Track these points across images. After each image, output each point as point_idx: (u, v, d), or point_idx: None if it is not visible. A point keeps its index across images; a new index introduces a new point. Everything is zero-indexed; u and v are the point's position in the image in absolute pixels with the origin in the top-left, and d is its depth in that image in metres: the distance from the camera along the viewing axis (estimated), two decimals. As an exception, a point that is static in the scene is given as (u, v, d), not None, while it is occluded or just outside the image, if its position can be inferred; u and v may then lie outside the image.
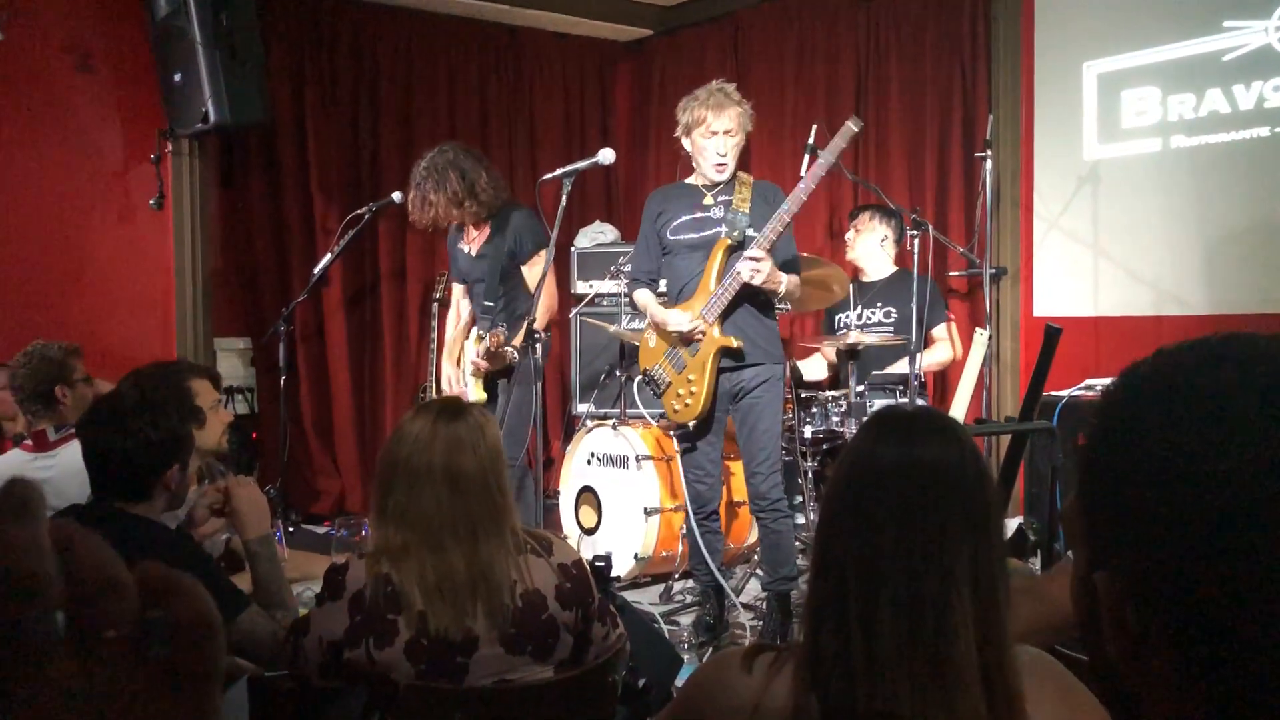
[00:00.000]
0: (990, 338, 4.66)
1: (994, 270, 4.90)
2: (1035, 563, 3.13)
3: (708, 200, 3.97)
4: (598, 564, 2.81)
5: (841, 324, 5.00)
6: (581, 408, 5.70)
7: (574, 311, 5.78)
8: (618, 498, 4.90)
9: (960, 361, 4.81)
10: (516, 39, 6.73)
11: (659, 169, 6.89)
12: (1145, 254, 4.77)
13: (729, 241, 3.86)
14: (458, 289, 4.84)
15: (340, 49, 6.15)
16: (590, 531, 5.03)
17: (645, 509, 4.68)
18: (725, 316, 3.86)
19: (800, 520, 4.59)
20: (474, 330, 4.62)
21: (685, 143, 3.99)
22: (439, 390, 4.98)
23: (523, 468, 4.34)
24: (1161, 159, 4.71)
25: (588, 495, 5.06)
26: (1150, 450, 0.66)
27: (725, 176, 3.95)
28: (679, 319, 3.88)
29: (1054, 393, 3.93)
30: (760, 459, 3.91)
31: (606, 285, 5.58)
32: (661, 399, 4.05)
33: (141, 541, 2.08)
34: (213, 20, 4.98)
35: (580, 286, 5.86)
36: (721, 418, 4.00)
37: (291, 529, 5.39)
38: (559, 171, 3.78)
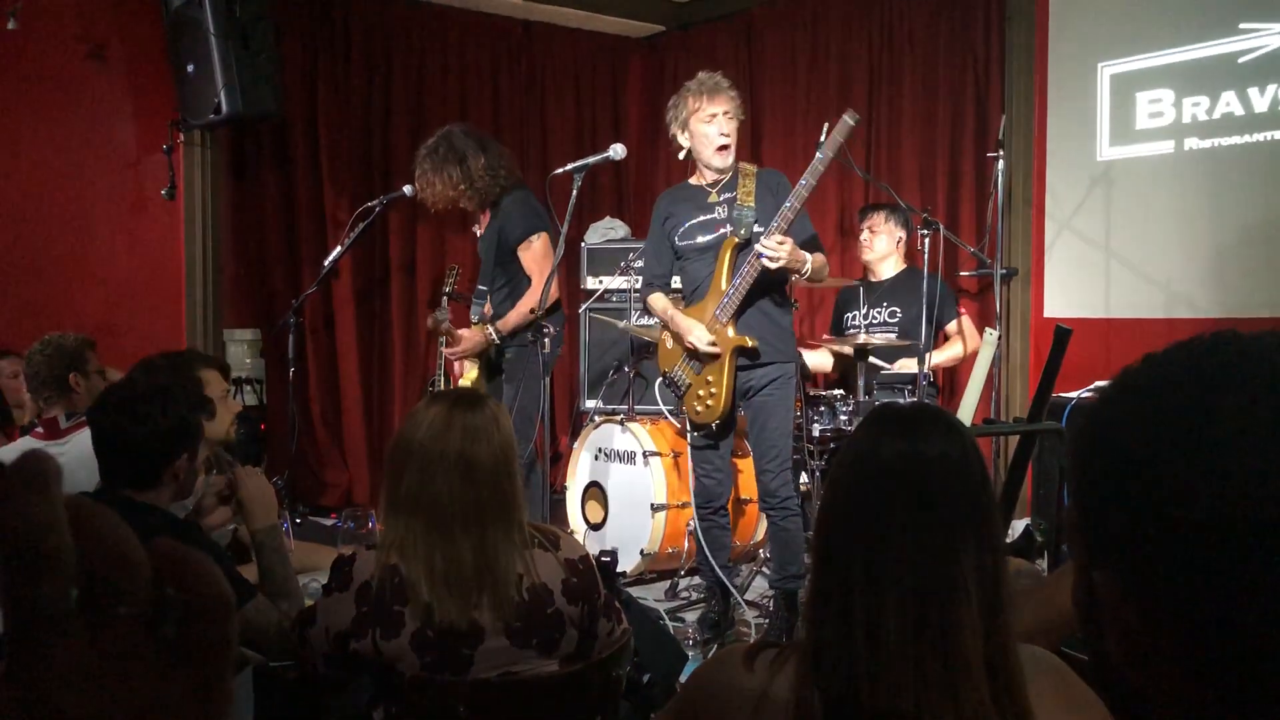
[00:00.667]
0: (1000, 338, 4.65)
1: (1005, 270, 4.89)
2: (1042, 564, 3.13)
3: (712, 199, 3.95)
4: (604, 559, 2.81)
5: (850, 324, 5.00)
6: (590, 403, 5.70)
7: (583, 307, 5.77)
8: (625, 493, 4.90)
9: (972, 356, 4.79)
10: (530, 33, 6.73)
11: (670, 165, 6.88)
12: (1157, 256, 4.75)
13: (736, 240, 3.85)
14: None
15: (353, 41, 6.16)
16: (597, 527, 5.03)
17: (652, 505, 4.69)
18: (738, 316, 3.85)
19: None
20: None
21: (683, 139, 3.95)
22: (447, 383, 4.99)
23: (528, 462, 4.34)
24: (1175, 161, 4.69)
25: (595, 491, 5.07)
26: (1139, 448, 0.66)
27: (729, 161, 3.91)
28: (699, 335, 3.86)
29: (1063, 394, 3.92)
30: (770, 456, 3.91)
31: (616, 281, 5.58)
32: (683, 401, 4.05)
33: (149, 530, 2.05)
34: (226, 11, 5.00)
35: (590, 282, 5.85)
36: (734, 415, 4.00)
37: (299, 520, 5.41)
38: (570, 166, 3.78)
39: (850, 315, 5.02)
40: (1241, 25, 4.43)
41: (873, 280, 5.03)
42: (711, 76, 3.93)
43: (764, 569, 4.82)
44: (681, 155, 4.03)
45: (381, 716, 1.93)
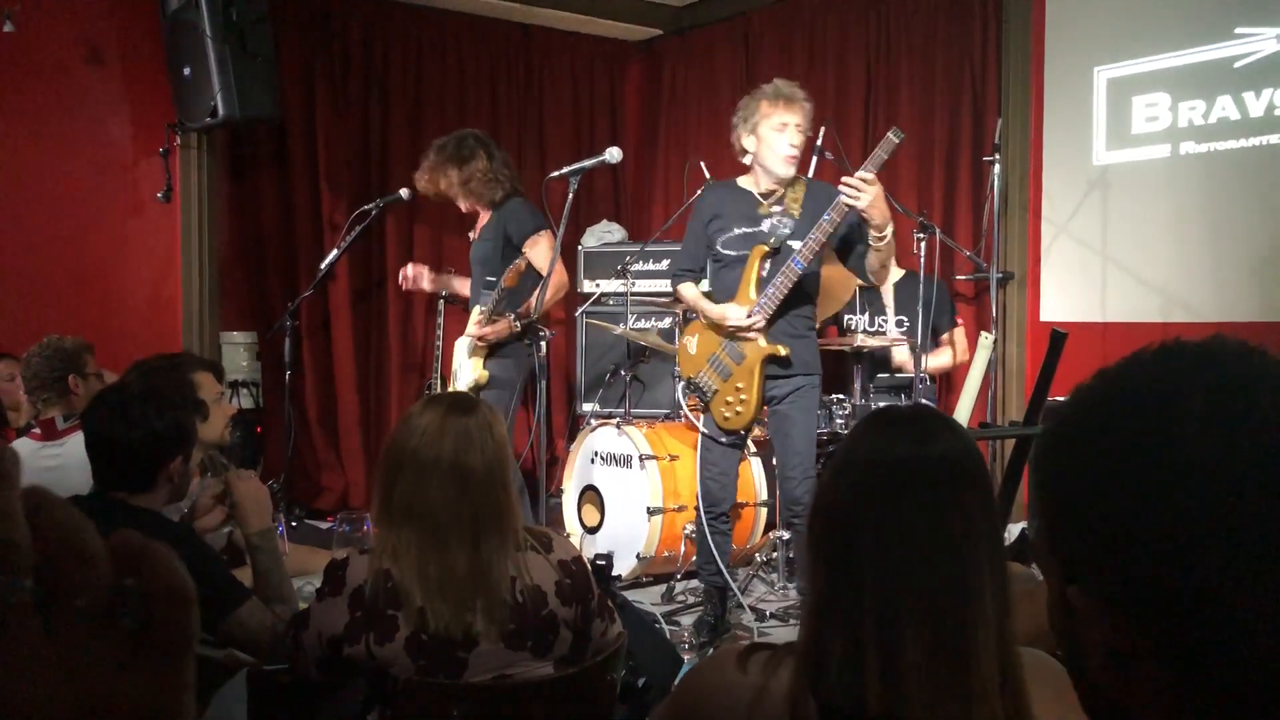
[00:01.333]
0: (996, 342, 4.65)
1: (1001, 274, 4.89)
2: (1036, 569, 3.13)
3: (763, 209, 3.91)
4: (599, 562, 2.81)
5: (850, 326, 4.99)
6: (586, 407, 5.69)
7: (580, 310, 5.77)
8: (621, 497, 4.89)
9: (962, 366, 4.80)
10: (528, 37, 6.73)
11: (667, 169, 6.89)
12: (1153, 260, 4.75)
13: (765, 248, 3.84)
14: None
15: (351, 44, 6.15)
16: (593, 530, 5.02)
17: (648, 509, 4.68)
18: (768, 327, 3.85)
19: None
20: (477, 308, 4.67)
21: (748, 141, 3.89)
22: (444, 387, 5.00)
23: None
24: (1171, 165, 4.69)
25: (591, 494, 5.06)
26: (1102, 468, 0.66)
27: (792, 172, 3.89)
28: (736, 313, 3.84)
29: (1059, 398, 3.91)
30: (794, 464, 3.90)
31: (613, 285, 5.58)
32: (709, 407, 4.03)
33: (143, 533, 2.08)
34: (223, 14, 5.00)
35: (587, 285, 5.85)
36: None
37: (295, 524, 5.40)
38: (566, 170, 3.78)
39: (849, 319, 5.02)
40: (1237, 30, 4.44)
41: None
42: (789, 85, 3.89)
43: (760, 573, 4.83)
44: (746, 160, 3.95)
45: (375, 720, 1.93)
